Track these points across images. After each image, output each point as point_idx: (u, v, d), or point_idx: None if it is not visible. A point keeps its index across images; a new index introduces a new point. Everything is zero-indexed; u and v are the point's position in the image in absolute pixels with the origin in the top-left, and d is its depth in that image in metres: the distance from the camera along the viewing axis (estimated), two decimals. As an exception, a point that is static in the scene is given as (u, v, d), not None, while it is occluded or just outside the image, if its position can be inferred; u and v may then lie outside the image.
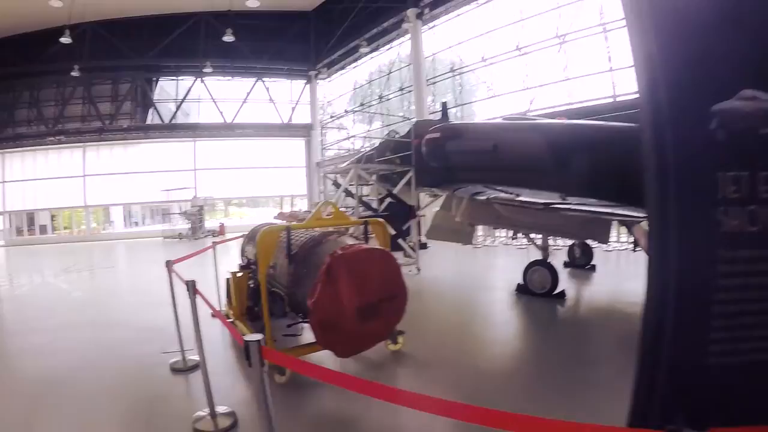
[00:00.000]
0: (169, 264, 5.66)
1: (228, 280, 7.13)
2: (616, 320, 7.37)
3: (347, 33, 29.49)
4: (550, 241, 9.48)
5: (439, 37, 25.64)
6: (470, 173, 9.81)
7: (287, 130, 36.18)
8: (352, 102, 33.88)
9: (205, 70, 31.24)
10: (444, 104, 12.03)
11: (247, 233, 7.48)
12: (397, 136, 12.53)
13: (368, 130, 27.12)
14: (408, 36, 25.89)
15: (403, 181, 11.28)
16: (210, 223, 31.72)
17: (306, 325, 5.31)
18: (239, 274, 6.67)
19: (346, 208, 14.17)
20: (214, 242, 8.77)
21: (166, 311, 5.79)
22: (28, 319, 8.79)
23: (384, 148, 12.24)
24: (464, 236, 10.60)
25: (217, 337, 6.49)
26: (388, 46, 29.07)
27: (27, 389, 5.09)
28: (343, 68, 33.72)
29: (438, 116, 13.84)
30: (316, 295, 4.29)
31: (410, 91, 26.96)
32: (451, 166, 10.36)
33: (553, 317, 7.84)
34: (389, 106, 29.65)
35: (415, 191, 11.50)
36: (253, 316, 6.21)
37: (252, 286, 6.27)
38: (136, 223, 37.96)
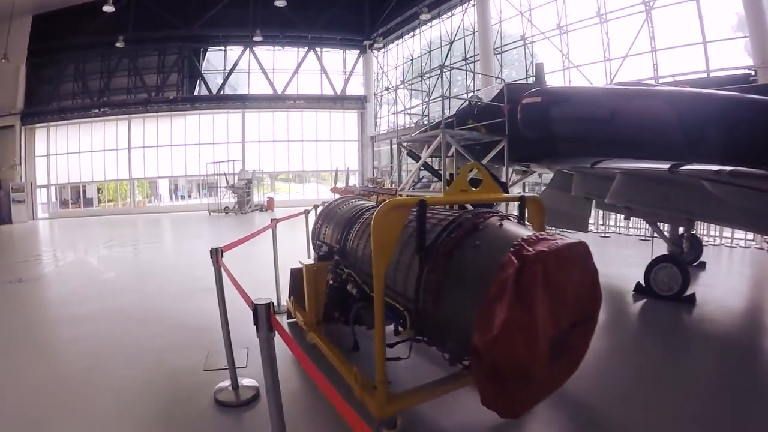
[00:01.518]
0: (216, 253, 4.15)
1: (294, 272, 5.69)
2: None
3: (406, 0, 27.99)
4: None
5: (507, 3, 23.87)
6: (578, 145, 8.63)
7: (340, 102, 35.00)
8: (409, 74, 32.31)
9: (255, 39, 30.23)
10: (539, 66, 10.53)
11: (321, 208, 6.06)
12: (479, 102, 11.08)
13: (426, 101, 25.56)
14: (473, 2, 24.30)
15: (492, 153, 9.81)
16: (257, 197, 31.04)
17: (412, 344, 3.74)
18: (315, 267, 4.99)
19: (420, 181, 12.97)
20: (274, 219, 7.20)
21: (213, 303, 4.32)
22: (51, 305, 7.77)
23: (465, 114, 10.74)
24: (578, 222, 9.21)
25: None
26: (450, 13, 27.46)
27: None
28: (400, 37, 32.17)
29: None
30: (496, 326, 2.57)
31: (474, 62, 25.43)
32: (554, 136, 9.01)
33: (685, 326, 6.28)
34: (449, 77, 28.09)
35: (506, 165, 10.00)
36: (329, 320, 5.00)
37: (334, 284, 4.72)
38: (182, 197, 37.45)
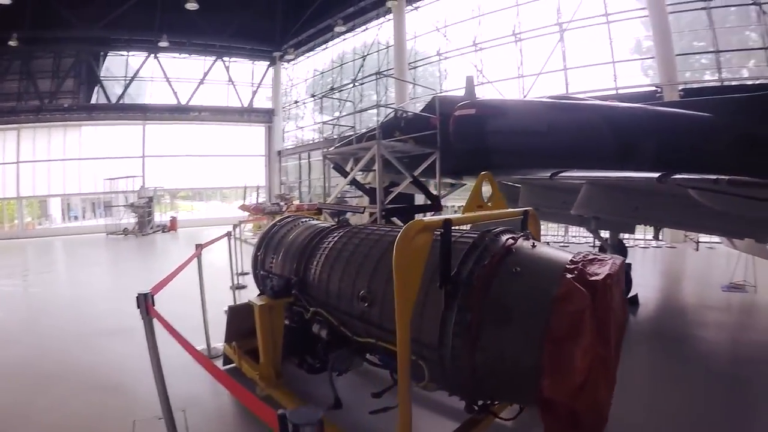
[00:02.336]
0: (146, 300, 2.97)
1: (234, 311, 4.77)
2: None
3: (320, 11, 27.40)
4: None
5: (423, 19, 24.00)
6: (515, 157, 8.65)
7: (247, 115, 33.51)
8: (320, 87, 31.62)
9: (160, 44, 28.29)
10: (469, 78, 10.28)
11: (262, 232, 5.24)
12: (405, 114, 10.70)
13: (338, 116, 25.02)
14: (390, 16, 24.17)
15: (423, 166, 9.29)
16: (158, 217, 28.29)
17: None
18: (269, 305, 4.05)
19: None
20: (199, 245, 6.12)
21: (129, 349, 3.37)
22: None
23: (392, 126, 10.28)
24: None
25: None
26: (364, 27, 27.21)
27: None
28: (312, 50, 31.52)
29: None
30: (580, 369, 2.19)
31: (387, 77, 25.26)
32: (489, 148, 8.97)
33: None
34: (361, 92, 27.77)
35: (438, 178, 9.55)
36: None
37: (293, 325, 4.09)
38: (76, 217, 33.65)
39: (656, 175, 5.08)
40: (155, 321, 2.84)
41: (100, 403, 4.52)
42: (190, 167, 31.92)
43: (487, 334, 2.52)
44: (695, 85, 18.41)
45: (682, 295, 8.98)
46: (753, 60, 19.63)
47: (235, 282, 8.40)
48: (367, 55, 27.11)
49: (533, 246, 2.87)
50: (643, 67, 20.44)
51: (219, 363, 5.08)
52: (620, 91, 18.19)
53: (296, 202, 23.69)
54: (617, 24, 19.59)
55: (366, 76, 26.82)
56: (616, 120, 8.49)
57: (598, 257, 2.65)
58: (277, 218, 5.24)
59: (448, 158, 9.25)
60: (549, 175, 6.55)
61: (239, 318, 4.63)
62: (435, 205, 9.27)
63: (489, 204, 3.91)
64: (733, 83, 18.43)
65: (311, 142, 32.03)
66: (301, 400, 3.79)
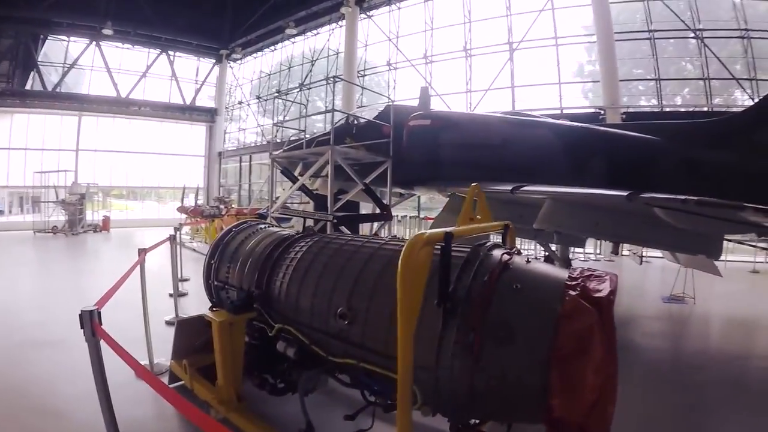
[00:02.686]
0: (91, 318, 2.58)
1: (184, 326, 4.38)
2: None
3: (272, 12, 26.89)
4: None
5: (375, 28, 24.05)
6: (469, 169, 8.56)
7: (189, 113, 32.27)
8: (265, 90, 31.08)
9: (104, 32, 26.68)
10: (424, 89, 10.17)
11: (215, 240, 4.68)
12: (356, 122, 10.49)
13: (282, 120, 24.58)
14: (342, 22, 24.01)
15: (374, 174, 9.13)
16: (90, 215, 25.84)
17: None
18: (230, 321, 3.68)
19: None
20: (142, 250, 5.64)
21: (60, 365, 2.89)
22: None
23: (343, 132, 9.92)
24: None
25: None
26: (315, 31, 26.93)
27: None
28: (260, 50, 30.93)
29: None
30: (592, 387, 2.15)
31: (337, 82, 25.04)
32: (442, 159, 8.86)
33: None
34: (308, 96, 27.44)
35: (389, 187, 9.47)
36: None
37: (254, 342, 3.82)
38: (1, 212, 31.03)
39: (625, 193, 5.13)
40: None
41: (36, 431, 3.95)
42: (126, 164, 30.37)
43: (489, 353, 2.39)
44: (635, 110, 19.17)
45: (625, 306, 9.14)
46: (687, 88, 20.78)
47: (177, 289, 7.86)
48: (317, 60, 26.82)
49: (528, 261, 2.79)
50: (583, 90, 21.25)
51: (165, 380, 4.59)
52: (565, 111, 18.79)
53: (235, 206, 23.16)
54: (562, 48, 20.23)
55: (316, 81, 26.48)
56: (570, 138, 8.73)
57: (594, 273, 2.59)
58: (233, 223, 4.80)
59: (400, 168, 9.15)
60: (510, 189, 6.48)
61: (189, 333, 4.25)
62: (386, 215, 9.10)
63: (479, 217, 3.70)
64: (667, 109, 19.49)
65: (253, 144, 31.41)
66: (266, 425, 3.45)
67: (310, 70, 27.10)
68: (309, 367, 3.33)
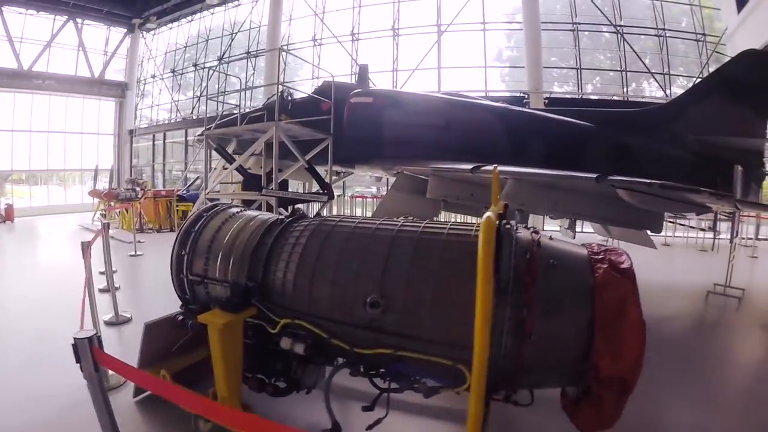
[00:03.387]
0: (91, 345, 2.17)
1: (153, 330, 3.82)
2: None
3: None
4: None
5: (301, 2, 23.08)
6: (412, 148, 8.57)
7: (97, 87, 29.37)
8: (181, 63, 29.04)
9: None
10: (363, 67, 9.88)
11: (183, 226, 3.94)
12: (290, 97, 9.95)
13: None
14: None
15: (314, 151, 8.77)
16: None
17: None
18: (228, 321, 3.14)
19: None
20: (85, 243, 5.03)
21: None
22: None
23: (278, 109, 9.44)
24: None
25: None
26: (237, 2, 25.60)
27: None
28: (176, 20, 28.95)
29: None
30: (636, 345, 2.49)
31: (257, 57, 24.06)
32: (385, 138, 8.73)
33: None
34: (227, 71, 26.04)
35: (330, 165, 9.21)
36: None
37: (255, 343, 3.37)
38: None
39: (594, 175, 5.33)
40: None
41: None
42: (28, 145, 27.13)
43: (539, 326, 2.56)
44: (556, 96, 20.24)
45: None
46: (598, 77, 21.90)
47: (113, 283, 6.91)
48: (237, 33, 25.53)
49: (550, 238, 2.96)
50: (501, 74, 21.72)
51: (128, 394, 4.04)
52: (489, 94, 19.17)
53: (149, 187, 21.65)
54: (482, 33, 20.77)
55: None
56: (512, 121, 9.01)
57: (609, 248, 2.89)
58: (200, 208, 4.13)
59: (341, 145, 8.90)
60: (470, 168, 6.43)
61: (159, 336, 3.78)
62: (328, 194, 8.76)
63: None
64: (584, 96, 20.67)
65: (167, 122, 29.23)
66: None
67: (230, 44, 25.76)
68: (320, 362, 3.17)
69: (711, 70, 20.96)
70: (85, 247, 4.83)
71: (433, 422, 3.81)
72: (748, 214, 15.43)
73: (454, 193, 7.12)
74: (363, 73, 9.76)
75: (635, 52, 20.46)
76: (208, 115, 12.33)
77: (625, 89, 21.19)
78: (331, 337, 3.01)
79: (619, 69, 21.23)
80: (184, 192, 18.20)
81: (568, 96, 20.65)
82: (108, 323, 6.15)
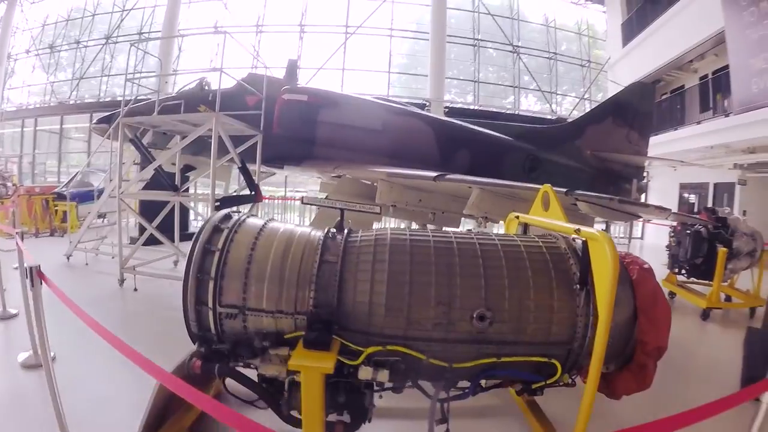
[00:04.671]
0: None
1: (160, 389, 2.80)
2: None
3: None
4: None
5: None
6: (346, 151, 8.37)
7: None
8: (61, 39, 25.64)
9: None
10: (292, 62, 9.26)
11: (197, 246, 2.99)
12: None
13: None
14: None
15: (242, 148, 7.85)
16: None
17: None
18: (319, 366, 2.52)
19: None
20: (26, 268, 3.31)
21: None
22: None
23: (194, 98, 8.37)
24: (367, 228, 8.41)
25: None
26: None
27: None
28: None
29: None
30: (668, 322, 3.12)
31: (150, 40, 22.17)
32: (318, 138, 8.34)
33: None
34: (113, 53, 23.81)
35: (258, 164, 8.41)
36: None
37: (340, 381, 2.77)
38: None
39: (564, 189, 5.49)
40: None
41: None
42: None
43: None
44: (453, 105, 21.16)
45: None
46: (484, 92, 23.32)
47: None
48: (130, 11, 23.39)
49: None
50: (389, 80, 22.06)
51: None
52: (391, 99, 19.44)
53: (15, 181, 18.53)
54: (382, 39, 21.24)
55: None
56: (443, 130, 9.19)
57: (626, 253, 3.47)
58: (212, 218, 3.15)
59: (269, 144, 8.28)
60: (434, 176, 6.38)
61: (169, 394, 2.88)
62: (257, 196, 8.11)
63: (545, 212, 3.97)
64: (474, 107, 21.86)
65: (38, 105, 25.32)
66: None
67: (119, 23, 23.53)
68: (400, 387, 3.05)
69: (592, 92, 23.52)
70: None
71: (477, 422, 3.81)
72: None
73: (404, 199, 7.03)
74: (291, 69, 9.13)
75: (528, 70, 22.08)
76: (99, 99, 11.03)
77: (517, 103, 22.76)
78: (430, 358, 2.82)
79: (512, 85, 22.78)
80: (63, 189, 14.73)
81: (466, 107, 21.63)
82: (27, 366, 4.29)
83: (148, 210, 9.75)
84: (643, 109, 11.00)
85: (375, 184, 7.65)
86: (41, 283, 3.22)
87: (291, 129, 8.23)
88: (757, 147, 14.12)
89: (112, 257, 9.29)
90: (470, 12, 22.69)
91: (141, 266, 7.83)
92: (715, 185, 17.76)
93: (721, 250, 7.79)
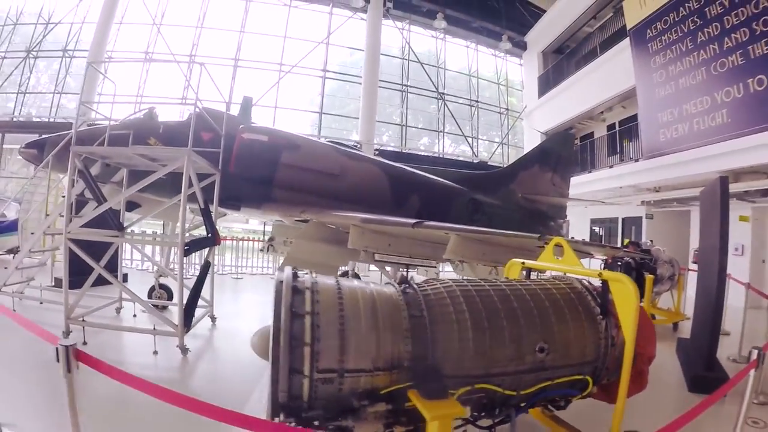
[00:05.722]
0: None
1: None
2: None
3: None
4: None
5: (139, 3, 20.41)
6: (302, 194, 8.22)
7: None
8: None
9: None
10: (247, 99, 9.06)
11: (282, 308, 2.77)
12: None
13: None
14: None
15: (197, 188, 6.96)
16: None
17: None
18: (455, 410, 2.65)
19: None
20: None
21: None
22: None
23: (145, 129, 7.58)
24: (328, 273, 8.12)
25: None
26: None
27: None
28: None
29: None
30: (652, 338, 3.79)
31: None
32: (277, 180, 8.12)
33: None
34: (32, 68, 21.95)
35: (216, 206, 7.76)
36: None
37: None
38: None
39: (536, 235, 5.99)
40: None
41: None
42: None
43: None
44: (383, 148, 21.70)
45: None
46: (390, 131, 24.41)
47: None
48: (56, 24, 21.64)
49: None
50: (312, 121, 22.33)
51: None
52: (322, 140, 19.55)
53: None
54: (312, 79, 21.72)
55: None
56: (395, 175, 9.28)
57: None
58: (286, 278, 2.90)
59: (226, 184, 7.77)
60: (412, 224, 6.39)
61: None
62: (215, 239, 7.57)
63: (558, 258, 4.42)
64: (406, 150, 22.70)
65: None
66: None
67: (44, 34, 21.67)
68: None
69: (510, 137, 25.30)
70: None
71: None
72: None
73: (375, 244, 7.04)
74: (246, 105, 8.91)
75: (452, 116, 23.23)
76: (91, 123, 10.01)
77: (441, 147, 24.02)
78: (505, 389, 3.15)
79: (437, 129, 24.03)
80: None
81: (393, 149, 22.27)
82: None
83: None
84: (565, 155, 11.96)
85: (341, 228, 7.59)
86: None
87: (250, 169, 7.96)
88: (662, 186, 15.76)
89: (40, 302, 8.51)
90: (400, 59, 23.59)
91: (87, 315, 7.13)
92: (623, 219, 19.60)
93: (648, 277, 8.99)
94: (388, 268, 8.29)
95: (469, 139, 24.07)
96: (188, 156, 6.41)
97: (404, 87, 23.20)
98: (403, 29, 23.10)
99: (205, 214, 7.41)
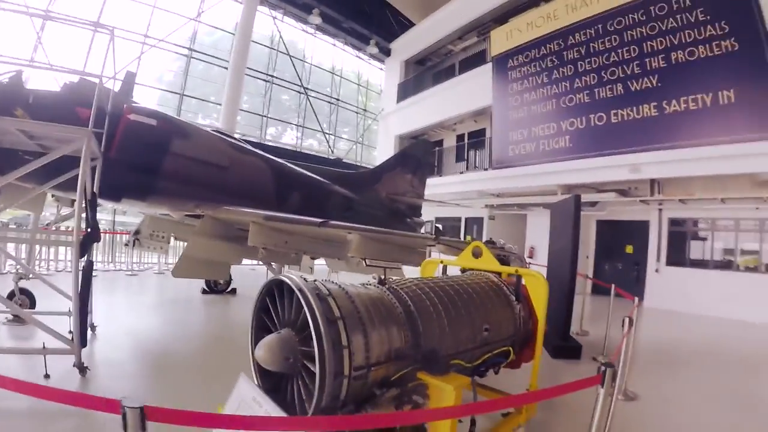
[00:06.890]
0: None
1: None
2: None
3: None
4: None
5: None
6: (189, 186, 7.56)
7: None
8: None
9: None
10: (131, 74, 7.88)
11: (318, 313, 2.82)
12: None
13: None
14: None
15: (68, 175, 5.87)
16: None
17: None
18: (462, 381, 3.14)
19: None
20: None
21: None
22: None
23: (9, 98, 5.96)
24: (222, 270, 7.94)
25: None
26: None
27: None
28: None
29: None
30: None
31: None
32: (164, 170, 7.25)
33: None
34: None
35: (96, 195, 6.29)
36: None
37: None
38: None
39: (433, 236, 6.63)
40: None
41: None
42: None
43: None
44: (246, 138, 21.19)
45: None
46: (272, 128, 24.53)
47: None
48: None
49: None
50: (159, 100, 21.01)
51: None
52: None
53: None
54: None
55: None
56: (279, 171, 9.19)
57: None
58: (309, 287, 2.96)
59: (106, 171, 6.51)
60: (319, 223, 6.36)
61: None
62: (94, 235, 6.19)
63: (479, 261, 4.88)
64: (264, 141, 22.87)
65: None
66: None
67: None
68: None
69: (365, 135, 26.49)
70: None
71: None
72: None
73: (273, 241, 6.77)
74: (129, 81, 7.72)
75: (314, 112, 23.60)
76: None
77: (300, 141, 24.74)
78: (465, 362, 3.80)
79: (297, 124, 24.56)
80: None
81: (256, 140, 21.72)
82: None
83: None
84: (424, 161, 13.18)
85: (235, 225, 7.37)
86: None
87: (136, 156, 6.97)
88: (504, 193, 18.09)
89: None
90: (269, 48, 23.16)
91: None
92: (467, 219, 21.59)
93: (503, 271, 10.57)
94: (274, 265, 8.01)
95: (327, 136, 24.60)
96: (88, 138, 5.48)
97: (270, 77, 23.03)
98: (275, 18, 22.69)
99: (93, 205, 6.24)
